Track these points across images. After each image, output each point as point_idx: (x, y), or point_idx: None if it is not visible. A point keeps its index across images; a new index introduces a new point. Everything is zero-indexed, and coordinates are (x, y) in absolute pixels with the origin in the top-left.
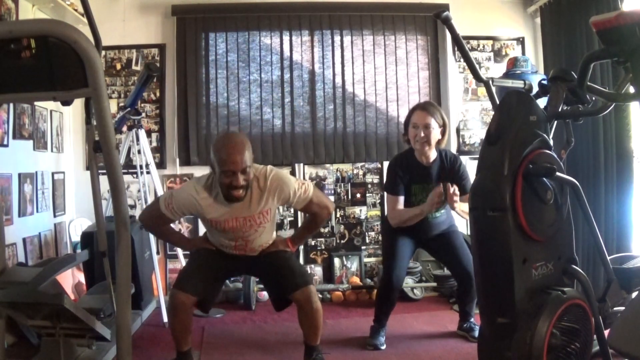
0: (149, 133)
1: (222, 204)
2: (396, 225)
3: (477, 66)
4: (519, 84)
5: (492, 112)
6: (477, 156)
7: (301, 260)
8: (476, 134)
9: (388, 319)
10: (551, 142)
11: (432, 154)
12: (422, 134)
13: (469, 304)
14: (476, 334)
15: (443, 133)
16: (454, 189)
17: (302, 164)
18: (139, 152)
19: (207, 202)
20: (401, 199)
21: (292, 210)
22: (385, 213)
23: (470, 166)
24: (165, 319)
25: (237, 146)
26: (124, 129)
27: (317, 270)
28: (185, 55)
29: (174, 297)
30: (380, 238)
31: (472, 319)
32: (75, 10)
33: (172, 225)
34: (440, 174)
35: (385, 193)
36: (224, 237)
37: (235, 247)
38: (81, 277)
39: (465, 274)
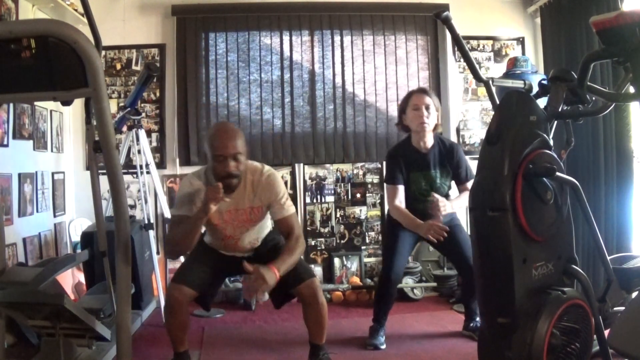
0: (149, 133)
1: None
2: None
3: (477, 66)
4: (519, 84)
5: (492, 112)
6: (477, 156)
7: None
8: (476, 134)
9: (387, 319)
10: (551, 142)
11: (430, 140)
12: (426, 113)
13: (474, 302)
14: None
15: (438, 118)
16: (436, 198)
17: (302, 164)
18: (139, 152)
19: (200, 192)
20: (400, 188)
21: None
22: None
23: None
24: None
25: (229, 132)
26: (124, 129)
27: (317, 270)
28: (185, 55)
29: (171, 293)
30: (380, 238)
31: (478, 318)
32: (75, 10)
33: None
34: (438, 160)
35: (385, 184)
36: (214, 234)
37: (224, 246)
38: (81, 277)
39: (469, 268)
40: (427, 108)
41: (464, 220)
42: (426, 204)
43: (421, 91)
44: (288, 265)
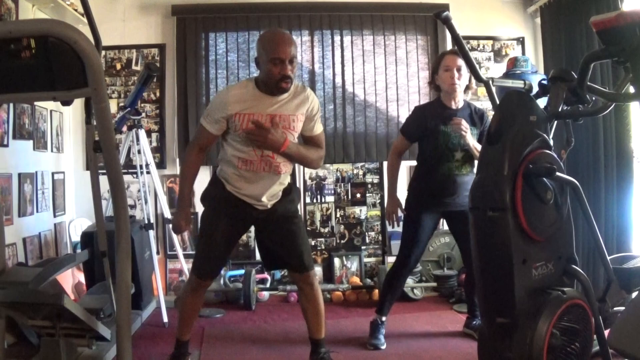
0: (149, 133)
1: (253, 97)
2: None
3: (477, 66)
4: (519, 84)
5: (492, 112)
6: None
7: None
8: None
9: (389, 311)
10: (551, 142)
11: (460, 100)
12: (457, 74)
13: None
14: None
15: (470, 79)
16: (459, 120)
17: None
18: (139, 152)
19: (236, 95)
20: (407, 142)
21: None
22: (408, 184)
23: None
24: (166, 319)
25: (287, 37)
26: (124, 129)
27: (317, 270)
28: (185, 55)
29: (193, 281)
30: (380, 238)
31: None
32: (75, 10)
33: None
34: (469, 119)
35: (400, 134)
36: (247, 146)
37: (260, 159)
38: (81, 277)
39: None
40: (459, 70)
41: None
42: (452, 165)
43: (453, 52)
44: (299, 152)
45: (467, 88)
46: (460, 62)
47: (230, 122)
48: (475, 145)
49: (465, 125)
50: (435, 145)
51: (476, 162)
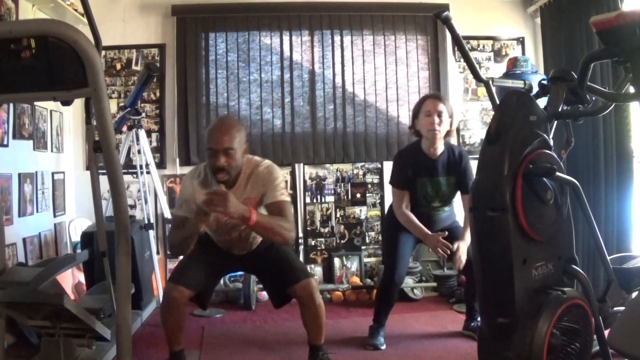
0: (149, 133)
1: (211, 189)
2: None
3: (477, 66)
4: (519, 84)
5: (492, 112)
6: (477, 156)
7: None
8: (476, 134)
9: (387, 319)
10: (551, 142)
11: (440, 147)
12: (437, 120)
13: (476, 301)
14: None
15: (451, 124)
16: (458, 254)
17: (302, 164)
18: (139, 152)
19: (199, 187)
20: (406, 193)
21: (291, 209)
22: (387, 208)
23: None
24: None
25: (224, 127)
26: (124, 129)
27: (317, 270)
28: (185, 55)
29: (168, 292)
30: (380, 238)
31: (479, 318)
32: (75, 10)
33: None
34: (446, 168)
35: (391, 187)
36: (220, 231)
37: (231, 241)
38: (81, 277)
39: (472, 268)
40: (440, 115)
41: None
42: (430, 209)
43: (435, 97)
44: (267, 220)
45: (448, 134)
46: (442, 107)
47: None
48: (468, 238)
49: (444, 247)
50: (413, 194)
51: (452, 202)
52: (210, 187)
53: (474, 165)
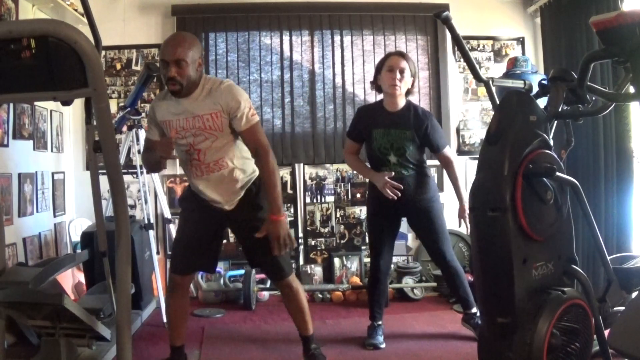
0: None
1: (169, 102)
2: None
3: (477, 66)
4: (519, 84)
5: (492, 112)
6: (477, 156)
7: (301, 261)
8: (476, 134)
9: (382, 314)
10: (551, 142)
11: (401, 102)
12: (399, 76)
13: (460, 288)
14: None
15: (412, 83)
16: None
17: (302, 164)
18: (139, 152)
19: (159, 102)
20: (357, 145)
21: (292, 209)
22: (367, 195)
23: (470, 166)
24: (165, 319)
25: (177, 38)
26: (124, 129)
27: (317, 270)
28: None
29: (171, 278)
30: None
31: (474, 309)
32: (75, 10)
33: None
34: (403, 122)
35: (346, 138)
36: (181, 150)
37: (195, 173)
38: (81, 277)
39: (443, 262)
40: (402, 72)
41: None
42: (389, 164)
43: (398, 54)
44: (279, 197)
45: (409, 92)
46: (405, 64)
47: (164, 128)
48: (464, 194)
49: (392, 189)
50: (370, 149)
51: (414, 163)
52: (168, 101)
53: (471, 170)
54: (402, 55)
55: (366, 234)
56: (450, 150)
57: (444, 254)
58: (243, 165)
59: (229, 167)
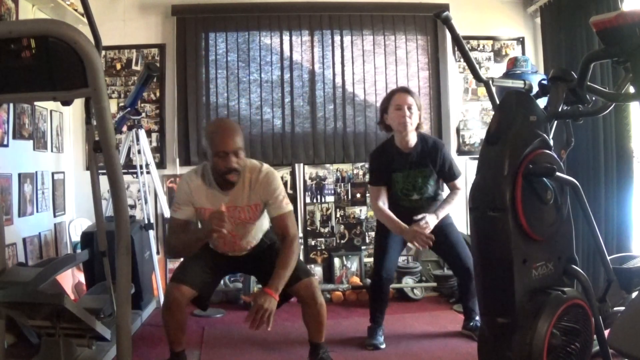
0: (149, 133)
1: (213, 192)
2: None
3: (477, 66)
4: (519, 84)
5: (492, 112)
6: (477, 156)
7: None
8: (476, 134)
9: (384, 317)
10: (551, 142)
11: (412, 139)
12: (408, 113)
13: (471, 300)
14: None
15: (420, 117)
16: (424, 220)
17: (302, 164)
18: (139, 152)
19: (198, 189)
20: (382, 189)
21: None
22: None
23: (470, 166)
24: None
25: (230, 129)
26: (124, 129)
27: (317, 270)
28: (185, 55)
29: (170, 292)
30: None
31: (477, 317)
32: (75, 10)
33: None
34: (420, 159)
35: (368, 186)
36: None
37: (223, 244)
38: (81, 277)
39: (464, 269)
40: (410, 108)
41: (462, 228)
42: (411, 201)
43: (403, 90)
44: (284, 280)
45: (419, 126)
46: (411, 100)
47: (197, 212)
48: (441, 214)
49: (425, 226)
50: (393, 190)
51: (441, 196)
52: (211, 189)
53: (471, 170)
54: (407, 91)
55: (367, 235)
56: (460, 181)
57: (466, 266)
58: (263, 232)
59: (254, 244)
